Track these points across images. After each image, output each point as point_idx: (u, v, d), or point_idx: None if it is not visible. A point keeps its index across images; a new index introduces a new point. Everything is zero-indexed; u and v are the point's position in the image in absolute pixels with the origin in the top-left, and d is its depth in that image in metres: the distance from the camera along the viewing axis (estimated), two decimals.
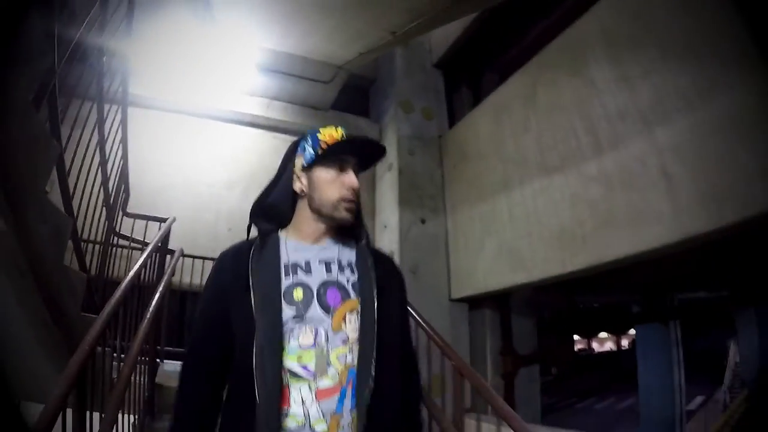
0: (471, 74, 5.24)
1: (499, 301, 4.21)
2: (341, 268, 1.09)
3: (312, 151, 1.09)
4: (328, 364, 0.99)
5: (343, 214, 1.07)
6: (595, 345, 21.81)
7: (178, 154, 4.22)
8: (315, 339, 1.00)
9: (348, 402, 0.97)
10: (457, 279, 4.21)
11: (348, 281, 1.07)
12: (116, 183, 2.84)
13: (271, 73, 4.41)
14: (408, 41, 4.54)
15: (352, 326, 1.02)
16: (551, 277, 3.21)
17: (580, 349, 20.54)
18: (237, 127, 4.60)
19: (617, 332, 20.20)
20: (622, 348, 19.98)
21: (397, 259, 3.65)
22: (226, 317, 1.03)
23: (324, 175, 1.08)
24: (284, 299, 1.01)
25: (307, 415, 0.94)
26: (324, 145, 1.08)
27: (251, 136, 4.63)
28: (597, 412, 11.54)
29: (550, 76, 3.39)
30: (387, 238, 4.46)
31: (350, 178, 1.08)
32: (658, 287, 8.38)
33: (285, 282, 1.03)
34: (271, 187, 1.16)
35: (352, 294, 1.05)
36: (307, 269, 1.07)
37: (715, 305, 11.31)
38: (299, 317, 1.00)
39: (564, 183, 3.12)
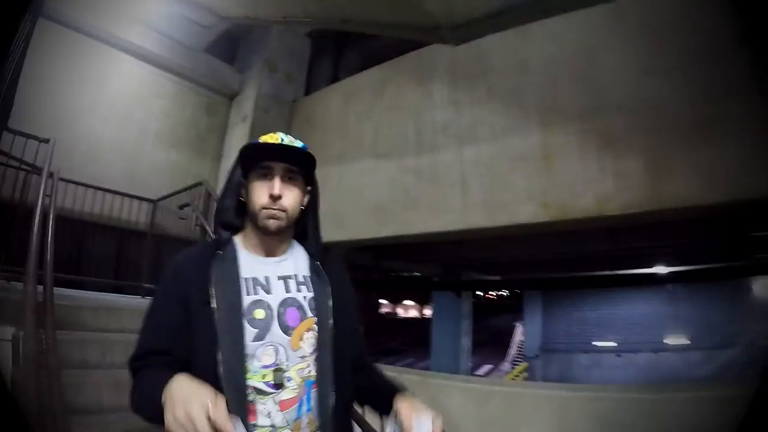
0: (336, 51, 5.62)
1: None
2: (298, 285, 1.10)
3: (244, 156, 1.07)
4: (289, 379, 1.03)
5: (263, 222, 1.03)
6: (400, 311, 23.97)
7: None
8: (276, 358, 1.03)
9: (305, 407, 1.03)
10: None
11: (305, 298, 1.08)
12: None
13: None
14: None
15: (308, 342, 1.05)
16: (365, 239, 3.92)
17: (387, 312, 22.58)
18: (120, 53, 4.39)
19: (421, 301, 22.15)
20: (424, 316, 21.48)
21: None
22: (181, 326, 1.00)
23: (254, 182, 1.04)
24: (245, 319, 1.01)
25: (273, 425, 0.99)
26: (250, 150, 1.06)
27: (126, 63, 4.44)
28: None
29: (399, 80, 4.02)
30: None
31: (271, 185, 1.02)
32: (457, 264, 9.97)
33: (246, 299, 1.03)
34: (223, 196, 1.13)
35: (309, 313, 1.07)
36: (267, 288, 1.07)
37: (505, 286, 13.96)
38: (260, 339, 1.02)
39: (387, 168, 3.82)
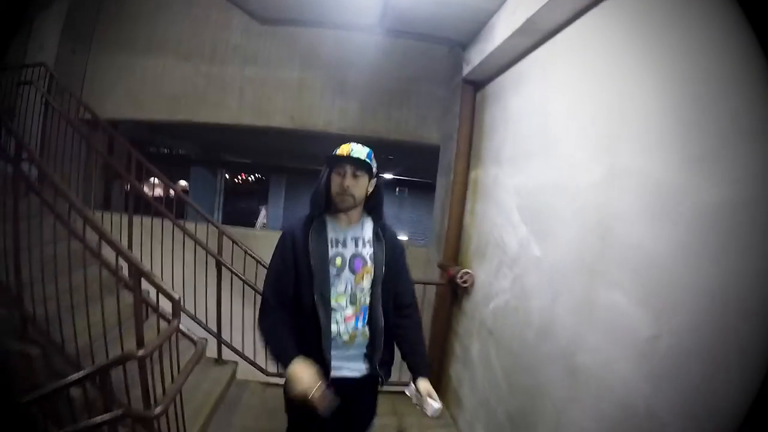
0: None
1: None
2: (364, 244, 1.58)
3: (329, 161, 1.54)
4: (352, 303, 1.54)
5: (338, 203, 1.53)
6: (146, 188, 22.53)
7: None
8: (345, 288, 1.53)
9: (360, 323, 1.54)
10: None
11: (367, 254, 1.57)
12: None
13: None
14: None
15: (367, 280, 1.56)
16: (160, 120, 4.69)
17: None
18: None
19: (175, 179, 21.74)
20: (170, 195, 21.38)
21: None
22: (292, 267, 1.51)
23: (334, 178, 1.53)
24: (330, 263, 1.51)
25: (338, 330, 1.52)
26: (332, 158, 1.52)
27: None
28: None
29: (207, 1, 4.77)
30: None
31: (343, 180, 1.50)
32: (214, 146, 10.87)
33: (331, 252, 1.53)
34: (318, 185, 1.59)
35: (369, 263, 1.56)
36: (344, 244, 1.56)
37: (255, 169, 14.95)
38: (338, 275, 1.52)
39: (186, 69, 4.61)
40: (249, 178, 18.17)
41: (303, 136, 5.33)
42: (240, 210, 15.17)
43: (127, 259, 2.08)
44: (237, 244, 3.52)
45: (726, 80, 1.14)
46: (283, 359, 1.43)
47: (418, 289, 2.04)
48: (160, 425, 1.74)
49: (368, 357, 1.58)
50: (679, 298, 1.22)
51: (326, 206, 1.57)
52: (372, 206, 1.62)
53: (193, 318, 3.45)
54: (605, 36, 1.76)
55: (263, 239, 4.41)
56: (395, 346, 1.67)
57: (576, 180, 1.85)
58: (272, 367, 3.19)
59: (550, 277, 1.99)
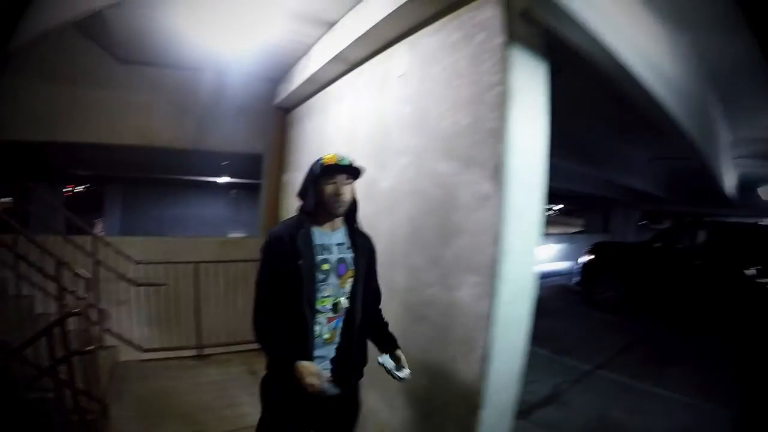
0: None
1: None
2: (347, 249, 1.71)
3: (318, 170, 1.62)
4: (335, 305, 1.67)
5: (335, 210, 1.64)
6: None
7: None
8: (331, 292, 1.65)
9: (340, 323, 1.69)
10: None
11: (350, 257, 1.70)
12: None
13: None
14: None
15: (349, 284, 1.69)
16: None
17: None
18: None
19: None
20: None
21: None
22: (280, 272, 1.57)
23: (327, 185, 1.61)
24: (317, 269, 1.61)
25: (321, 331, 1.65)
26: (324, 167, 1.61)
27: None
28: None
29: None
30: None
31: (337, 187, 1.61)
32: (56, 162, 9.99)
33: (318, 258, 1.62)
34: (302, 193, 1.69)
35: (351, 267, 1.69)
36: (329, 250, 1.66)
37: (91, 180, 13.82)
38: (324, 281, 1.63)
39: None
40: (84, 190, 16.88)
41: (147, 150, 6.01)
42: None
43: None
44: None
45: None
46: (285, 358, 1.56)
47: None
48: None
49: (349, 356, 1.71)
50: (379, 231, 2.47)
51: (312, 212, 1.68)
52: (348, 211, 1.73)
53: None
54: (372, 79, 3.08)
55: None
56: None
57: (395, 179, 2.68)
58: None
59: None
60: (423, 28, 2.49)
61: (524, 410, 3.36)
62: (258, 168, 5.84)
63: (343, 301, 1.69)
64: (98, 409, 2.87)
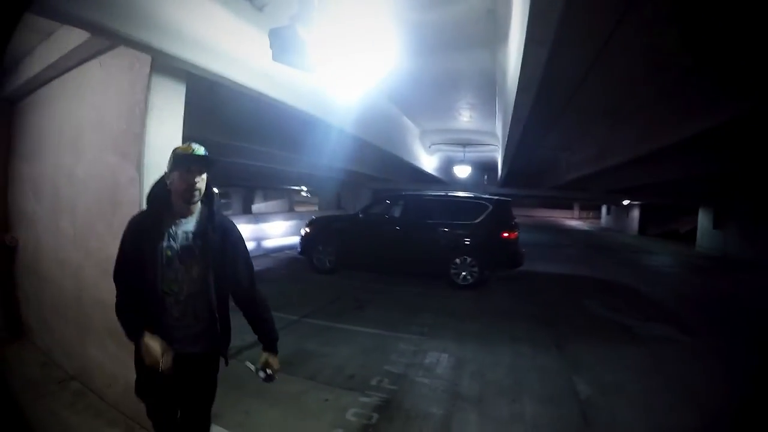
0: None
1: None
2: (194, 237, 1.75)
3: (172, 161, 1.69)
4: (181, 289, 1.74)
5: (188, 200, 1.72)
6: None
7: None
8: (176, 277, 1.73)
9: (190, 308, 1.76)
10: None
11: (197, 246, 1.74)
12: None
13: None
14: None
15: (195, 270, 1.75)
16: None
17: None
18: None
19: None
20: None
21: None
22: (132, 256, 1.68)
23: (181, 175, 1.68)
24: (162, 254, 1.69)
25: (172, 313, 1.74)
26: (177, 157, 1.67)
27: None
28: None
29: None
30: None
31: (191, 176, 1.68)
32: None
33: (164, 243, 1.70)
34: (158, 182, 1.77)
35: (197, 253, 1.75)
36: (174, 238, 1.73)
37: None
38: (168, 266, 1.71)
39: None
40: None
41: None
42: None
43: None
44: None
45: None
46: (133, 333, 1.68)
47: None
48: None
49: (202, 337, 1.80)
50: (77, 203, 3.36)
51: (164, 201, 1.76)
52: (203, 200, 1.80)
53: None
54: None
55: None
56: (230, 327, 1.90)
57: (86, 168, 3.21)
58: None
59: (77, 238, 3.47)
60: (108, 51, 3.17)
61: (234, 353, 4.17)
62: None
63: (190, 286, 1.76)
64: None
